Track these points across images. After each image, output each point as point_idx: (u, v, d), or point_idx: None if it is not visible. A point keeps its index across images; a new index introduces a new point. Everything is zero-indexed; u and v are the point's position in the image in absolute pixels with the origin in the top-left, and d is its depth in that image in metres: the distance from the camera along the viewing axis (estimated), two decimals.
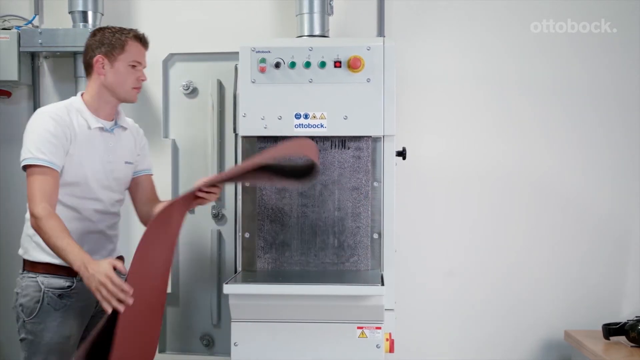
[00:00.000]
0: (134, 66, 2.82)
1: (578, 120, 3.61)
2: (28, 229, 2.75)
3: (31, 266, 2.74)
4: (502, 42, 3.61)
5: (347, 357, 2.74)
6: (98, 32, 2.84)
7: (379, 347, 2.74)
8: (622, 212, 3.62)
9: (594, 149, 3.61)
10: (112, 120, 2.87)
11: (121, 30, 2.83)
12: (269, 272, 3.00)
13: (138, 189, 2.99)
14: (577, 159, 3.62)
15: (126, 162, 2.91)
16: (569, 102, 3.60)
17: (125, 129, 2.92)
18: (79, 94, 2.87)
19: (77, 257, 2.49)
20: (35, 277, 2.72)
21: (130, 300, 2.42)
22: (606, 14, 3.57)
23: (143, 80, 2.86)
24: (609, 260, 3.63)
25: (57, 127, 2.66)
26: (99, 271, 2.44)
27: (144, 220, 2.98)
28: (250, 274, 2.93)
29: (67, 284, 2.73)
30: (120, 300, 2.40)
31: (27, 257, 2.76)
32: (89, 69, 2.83)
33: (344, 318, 2.74)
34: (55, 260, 2.67)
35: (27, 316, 2.70)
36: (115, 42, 2.79)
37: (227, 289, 2.68)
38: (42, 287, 2.71)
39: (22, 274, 2.77)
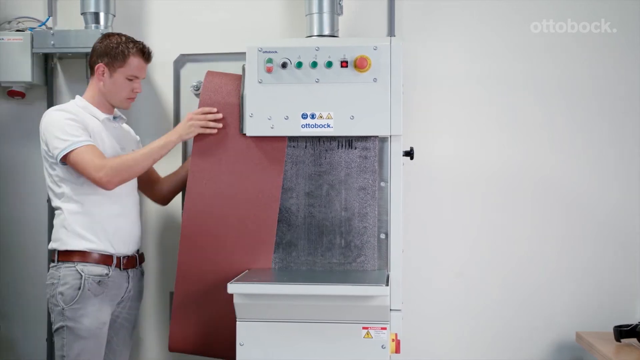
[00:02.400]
0: (131, 79, 3.02)
1: (584, 121, 3.59)
2: (61, 222, 2.95)
3: (67, 256, 2.92)
4: (507, 43, 3.61)
5: (352, 357, 2.73)
6: (106, 38, 3.03)
7: (385, 348, 2.74)
8: (630, 210, 3.59)
9: (600, 149, 3.59)
10: (111, 114, 3.08)
11: (127, 42, 3.01)
12: (274, 271, 3.00)
13: (145, 175, 3.17)
14: (584, 159, 3.60)
15: (133, 150, 3.13)
16: (574, 102, 3.59)
17: (124, 120, 3.17)
18: (77, 96, 3.08)
19: (163, 139, 2.99)
20: (74, 266, 2.90)
21: (219, 116, 3.00)
22: (606, 14, 3.54)
23: (138, 92, 3.06)
24: (620, 260, 3.60)
25: (74, 116, 2.90)
26: (184, 122, 3.01)
27: (162, 198, 3.32)
28: (256, 274, 2.93)
29: (105, 271, 2.93)
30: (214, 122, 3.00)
31: (62, 247, 2.92)
32: (91, 70, 3.04)
33: (349, 318, 2.74)
34: (92, 245, 2.91)
35: (66, 303, 2.87)
36: (117, 54, 2.98)
37: (231, 288, 2.69)
38: (83, 274, 2.89)
39: (55, 265, 2.94)
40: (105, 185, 2.85)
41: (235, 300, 2.72)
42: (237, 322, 2.76)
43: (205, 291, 3.01)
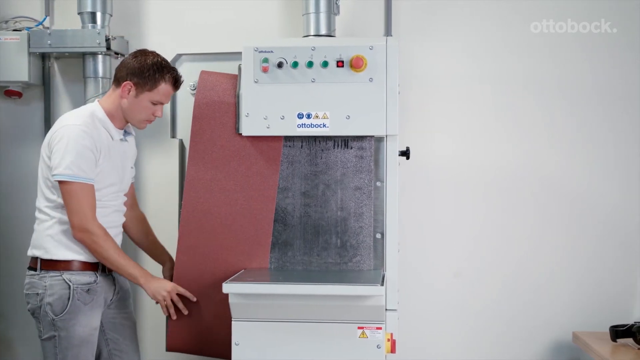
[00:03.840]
0: (155, 104, 2.92)
1: (584, 120, 3.58)
2: (47, 230, 2.87)
3: (52, 265, 2.85)
4: (507, 43, 3.60)
5: (347, 357, 2.74)
6: (141, 55, 2.92)
7: (380, 348, 2.74)
8: (630, 210, 3.58)
9: (600, 148, 3.58)
10: (122, 128, 3.00)
11: (162, 69, 2.89)
12: (270, 271, 3.00)
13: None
14: (584, 158, 3.59)
15: (131, 167, 3.09)
16: (574, 102, 3.58)
17: (132, 135, 3.08)
18: (96, 100, 2.98)
19: (140, 273, 2.91)
20: (60, 275, 2.84)
21: (185, 311, 2.97)
22: (606, 14, 3.53)
23: (158, 116, 2.96)
24: (618, 260, 3.59)
25: (92, 142, 2.81)
26: (163, 286, 2.93)
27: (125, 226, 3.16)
28: (251, 273, 2.93)
29: (92, 279, 2.88)
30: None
31: (47, 256, 2.85)
32: (116, 82, 2.93)
33: (344, 318, 2.74)
34: (81, 257, 2.86)
35: (57, 314, 2.82)
36: (149, 79, 2.87)
37: (227, 288, 2.70)
38: (70, 284, 2.83)
39: (38, 273, 2.86)
40: (74, 233, 2.81)
41: (231, 300, 2.73)
42: (233, 322, 2.77)
43: (202, 291, 3.01)
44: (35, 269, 2.87)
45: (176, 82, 2.95)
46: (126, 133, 3.03)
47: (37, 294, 2.84)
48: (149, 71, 2.87)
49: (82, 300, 2.84)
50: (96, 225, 2.81)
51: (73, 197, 2.78)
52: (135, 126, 3.02)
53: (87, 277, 2.87)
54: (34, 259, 2.89)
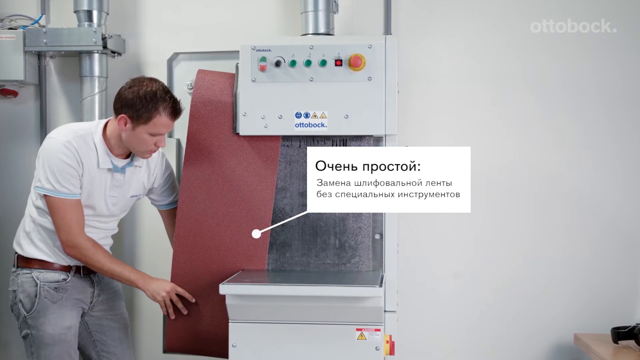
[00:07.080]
0: (154, 135, 2.78)
1: (585, 120, 3.55)
2: (25, 226, 2.89)
3: (25, 262, 2.87)
4: (507, 41, 3.57)
5: (346, 359, 2.71)
6: (136, 84, 2.75)
7: (379, 349, 2.71)
8: (632, 211, 3.55)
9: (601, 147, 3.55)
10: (127, 157, 2.90)
11: (156, 100, 2.71)
12: (267, 272, 2.97)
13: (167, 221, 3.19)
14: (585, 158, 3.56)
15: (132, 196, 3.00)
16: (574, 101, 3.55)
17: (140, 167, 2.96)
18: (102, 122, 2.87)
19: (136, 276, 2.89)
20: (30, 273, 2.85)
21: (185, 311, 2.93)
22: (606, 14, 3.50)
23: (160, 146, 2.84)
24: (620, 261, 3.56)
25: (72, 158, 2.74)
26: (162, 287, 2.89)
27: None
28: (249, 274, 2.90)
29: (62, 277, 2.86)
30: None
31: (21, 252, 2.88)
32: (114, 113, 2.80)
33: (342, 319, 2.71)
34: (49, 259, 2.85)
35: (27, 312, 2.83)
36: (143, 112, 2.71)
37: (223, 289, 2.67)
38: (38, 281, 2.83)
39: (15, 271, 2.89)
40: (64, 249, 2.81)
41: (228, 301, 2.70)
42: (230, 323, 2.74)
43: (200, 292, 2.99)
44: (15, 266, 2.90)
45: (174, 112, 2.77)
46: (130, 164, 2.90)
47: (14, 290, 2.87)
48: (141, 103, 2.70)
49: (50, 298, 2.82)
50: (83, 239, 2.79)
51: (56, 212, 2.76)
52: (139, 157, 2.89)
53: (57, 275, 2.85)
54: (14, 255, 2.92)
